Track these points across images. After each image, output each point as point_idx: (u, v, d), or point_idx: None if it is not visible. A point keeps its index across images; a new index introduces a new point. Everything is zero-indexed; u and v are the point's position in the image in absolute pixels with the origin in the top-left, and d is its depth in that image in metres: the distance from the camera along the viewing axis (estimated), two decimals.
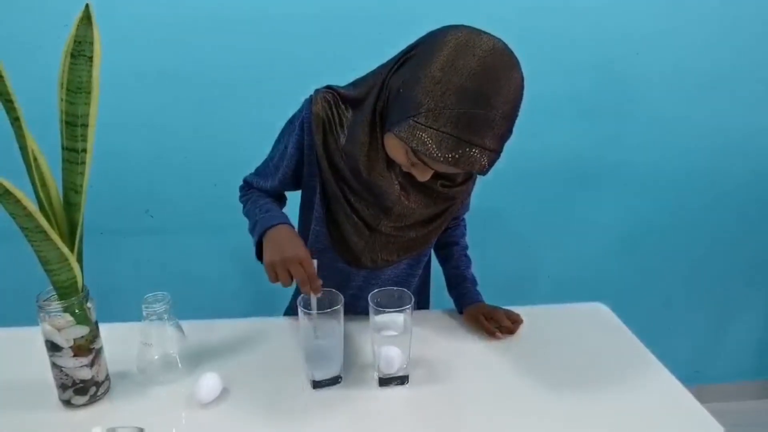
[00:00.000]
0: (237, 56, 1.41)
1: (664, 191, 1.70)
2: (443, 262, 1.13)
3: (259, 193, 1.00)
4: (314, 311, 0.81)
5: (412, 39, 0.80)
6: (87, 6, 0.67)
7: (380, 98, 0.81)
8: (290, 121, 0.93)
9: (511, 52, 0.73)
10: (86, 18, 0.68)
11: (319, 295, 0.82)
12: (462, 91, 0.69)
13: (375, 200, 0.89)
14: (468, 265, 1.10)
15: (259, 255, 0.90)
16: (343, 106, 0.87)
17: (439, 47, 0.72)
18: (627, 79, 1.55)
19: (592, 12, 1.47)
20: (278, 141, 0.96)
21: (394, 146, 0.79)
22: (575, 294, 1.17)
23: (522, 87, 0.74)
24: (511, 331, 0.99)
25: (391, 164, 0.86)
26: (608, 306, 1.12)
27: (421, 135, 0.71)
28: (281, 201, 1.04)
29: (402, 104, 0.75)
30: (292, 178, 0.95)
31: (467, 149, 0.70)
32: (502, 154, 0.75)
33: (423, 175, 0.81)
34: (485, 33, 0.73)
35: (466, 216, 1.14)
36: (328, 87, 0.88)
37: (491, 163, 0.73)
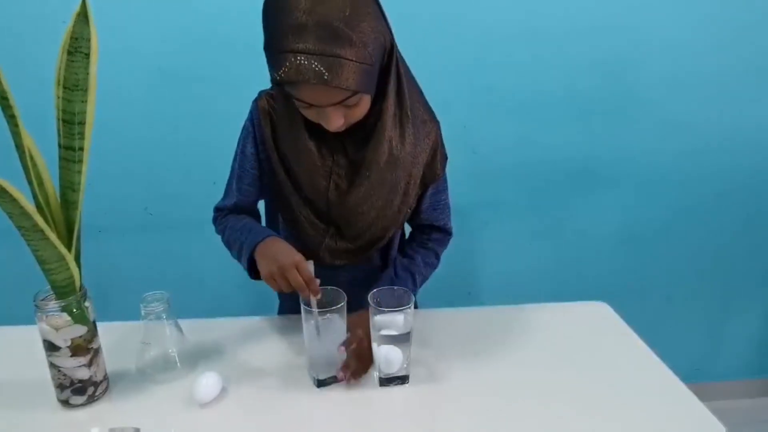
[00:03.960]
0: (235, 53, 1.40)
1: (665, 190, 1.69)
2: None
3: (233, 216, 1.00)
4: (315, 311, 0.81)
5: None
6: (84, 2, 0.67)
7: None
8: (243, 127, 0.95)
9: None
10: (83, 14, 0.67)
11: (318, 296, 0.81)
12: (282, 10, 0.71)
13: (310, 181, 0.89)
14: (399, 274, 1.00)
15: (253, 274, 0.91)
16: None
17: None
18: (628, 78, 1.55)
19: (593, 11, 1.46)
20: (236, 150, 0.98)
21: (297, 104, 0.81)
22: (576, 293, 1.16)
23: (379, 9, 0.76)
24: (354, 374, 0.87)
25: (316, 139, 0.87)
26: (609, 305, 1.12)
27: (270, 70, 0.74)
28: (257, 219, 1.04)
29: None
30: (259, 181, 0.96)
31: (292, 59, 0.70)
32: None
33: (328, 121, 0.80)
34: None
35: (448, 239, 1.06)
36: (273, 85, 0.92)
37: (336, 70, 0.71)
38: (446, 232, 1.05)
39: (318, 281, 0.81)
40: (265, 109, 0.91)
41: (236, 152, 0.98)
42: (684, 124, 1.62)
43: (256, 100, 0.93)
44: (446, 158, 0.97)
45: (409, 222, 1.05)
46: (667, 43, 1.52)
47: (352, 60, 0.72)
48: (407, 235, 1.10)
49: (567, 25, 1.47)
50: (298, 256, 0.82)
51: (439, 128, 0.95)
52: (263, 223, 1.06)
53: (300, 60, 0.70)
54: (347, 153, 0.89)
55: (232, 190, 0.99)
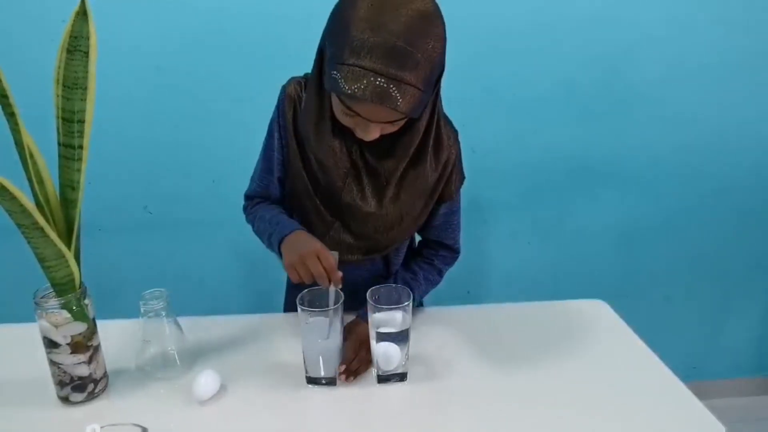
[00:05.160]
0: (235, 52, 1.40)
1: (664, 188, 1.70)
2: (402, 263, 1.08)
3: (263, 205, 0.99)
4: (331, 304, 0.81)
5: None
6: (83, 1, 0.67)
7: (320, 64, 0.82)
8: (273, 112, 0.95)
9: (436, 4, 0.73)
10: (82, 13, 0.67)
11: (339, 287, 0.81)
12: (376, 25, 0.69)
13: (326, 177, 0.89)
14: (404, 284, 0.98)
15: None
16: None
17: None
18: (626, 75, 1.55)
19: (590, 8, 1.46)
20: (266, 135, 0.97)
21: (336, 107, 0.80)
22: (574, 291, 1.17)
23: (444, 33, 0.74)
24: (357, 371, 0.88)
25: (341, 137, 0.87)
26: (607, 303, 1.12)
27: (335, 75, 0.72)
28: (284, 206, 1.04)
29: (329, 58, 0.76)
30: (284, 165, 0.96)
31: (372, 78, 0.70)
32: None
33: (366, 132, 0.80)
34: None
35: (457, 256, 1.06)
36: (305, 74, 0.92)
37: (410, 100, 0.71)
38: (454, 251, 1.05)
39: (340, 273, 0.81)
40: (292, 96, 0.90)
41: (266, 137, 0.97)
42: (683, 122, 1.62)
43: (285, 86, 0.92)
44: (463, 179, 0.97)
45: (419, 234, 1.05)
46: (665, 40, 1.51)
47: (420, 89, 0.73)
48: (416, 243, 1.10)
49: (564, 22, 1.47)
50: (320, 245, 0.82)
51: (459, 148, 0.94)
52: None
53: (380, 82, 0.70)
54: (366, 158, 0.89)
55: (261, 176, 0.98)
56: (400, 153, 0.87)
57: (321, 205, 0.93)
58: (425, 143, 0.88)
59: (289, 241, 0.86)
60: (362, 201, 0.91)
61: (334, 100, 0.79)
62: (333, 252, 0.82)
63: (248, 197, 1.02)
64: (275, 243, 0.89)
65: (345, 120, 0.81)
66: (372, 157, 0.89)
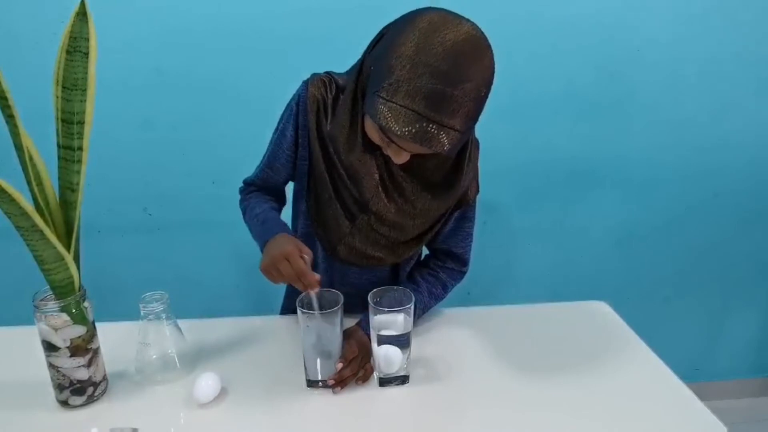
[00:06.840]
0: (234, 53, 1.40)
1: (664, 189, 1.70)
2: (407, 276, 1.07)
3: (257, 194, 0.99)
4: (316, 309, 0.80)
5: None
6: (82, 1, 0.67)
7: (359, 79, 0.82)
8: (288, 105, 0.93)
9: (483, 37, 0.73)
10: (82, 13, 0.67)
11: (316, 290, 0.80)
12: (423, 66, 0.69)
13: (355, 187, 0.89)
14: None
15: None
16: (335, 91, 0.88)
17: (410, 26, 0.72)
18: (626, 77, 1.55)
19: (591, 10, 1.46)
20: (276, 126, 0.96)
21: (369, 126, 0.80)
22: (576, 292, 1.16)
23: (491, 70, 0.73)
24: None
25: (371, 151, 0.86)
26: (609, 304, 1.12)
27: (382, 109, 0.71)
28: (281, 201, 1.03)
29: (371, 81, 0.76)
30: (292, 163, 0.95)
31: (424, 124, 0.70)
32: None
33: (398, 157, 0.80)
34: (460, 17, 0.73)
35: (464, 277, 1.05)
36: (327, 72, 0.90)
37: (452, 143, 0.72)
38: (462, 263, 1.03)
39: (317, 276, 0.79)
40: (315, 96, 0.87)
41: (276, 129, 0.95)
42: (683, 124, 1.62)
43: (306, 83, 0.88)
44: (478, 189, 0.97)
45: (427, 245, 1.03)
46: (666, 42, 1.52)
47: (464, 132, 0.73)
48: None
49: (566, 24, 1.47)
50: (290, 248, 0.79)
51: (478, 158, 0.95)
52: (289, 203, 1.05)
53: (431, 128, 0.69)
54: (392, 170, 0.88)
55: (263, 166, 0.98)
56: (429, 174, 0.88)
57: (341, 210, 0.92)
58: (460, 164, 0.88)
59: (268, 246, 0.84)
60: (390, 211, 0.90)
61: (370, 122, 0.78)
62: (307, 254, 0.80)
63: (247, 183, 1.02)
64: (260, 246, 0.88)
65: (377, 140, 0.80)
66: (404, 174, 0.88)
